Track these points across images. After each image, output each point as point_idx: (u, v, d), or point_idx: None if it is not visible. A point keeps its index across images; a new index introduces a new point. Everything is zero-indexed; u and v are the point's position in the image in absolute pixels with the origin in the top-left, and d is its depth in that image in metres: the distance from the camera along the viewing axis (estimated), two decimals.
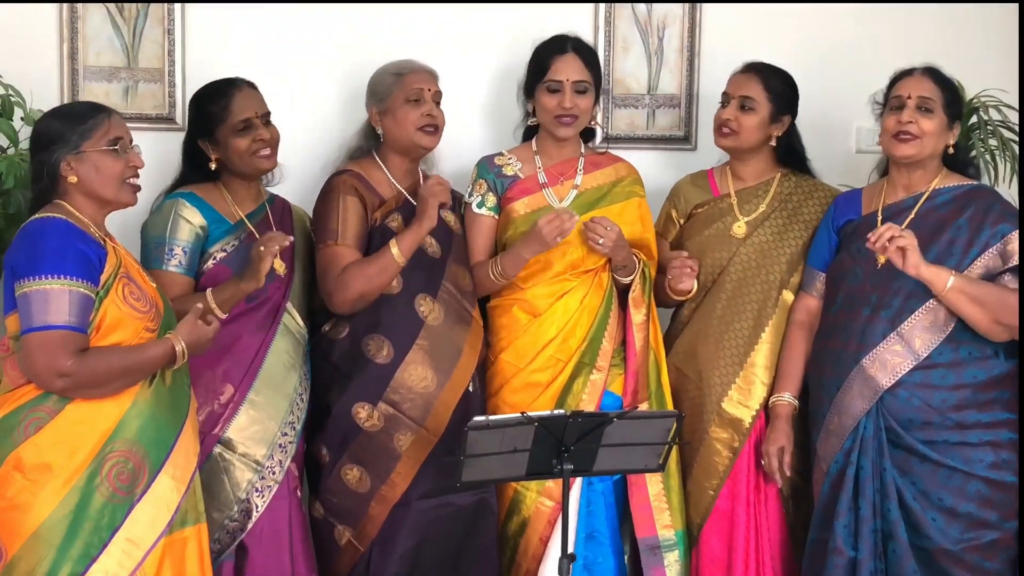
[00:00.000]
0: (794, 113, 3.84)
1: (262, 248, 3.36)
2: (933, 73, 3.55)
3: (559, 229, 3.57)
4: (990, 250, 3.44)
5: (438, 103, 3.74)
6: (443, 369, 3.63)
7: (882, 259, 3.48)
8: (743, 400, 3.74)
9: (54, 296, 2.94)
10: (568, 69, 3.74)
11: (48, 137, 3.07)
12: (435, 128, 3.71)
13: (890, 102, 3.55)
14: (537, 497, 3.70)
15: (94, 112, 3.12)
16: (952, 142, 3.55)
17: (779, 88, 3.80)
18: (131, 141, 3.16)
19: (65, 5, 4.02)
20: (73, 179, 3.06)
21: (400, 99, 3.68)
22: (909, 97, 3.50)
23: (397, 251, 3.57)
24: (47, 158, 3.06)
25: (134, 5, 4.06)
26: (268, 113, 3.62)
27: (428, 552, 3.62)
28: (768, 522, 3.74)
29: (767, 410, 3.73)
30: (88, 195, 3.09)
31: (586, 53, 3.79)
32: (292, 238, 3.48)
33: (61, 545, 2.94)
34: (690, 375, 3.80)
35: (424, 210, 3.58)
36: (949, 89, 3.54)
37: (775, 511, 3.75)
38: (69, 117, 3.11)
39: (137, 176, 3.16)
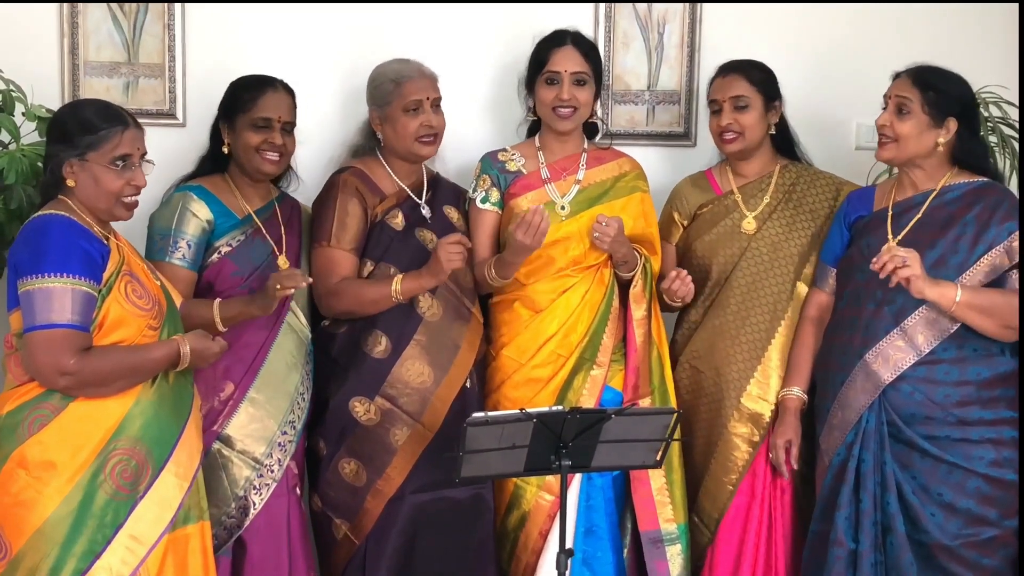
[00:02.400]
0: (780, 96, 3.84)
1: (278, 287, 3.32)
2: (916, 73, 3.52)
3: (538, 230, 3.54)
4: (997, 247, 3.44)
5: (437, 107, 3.73)
6: (440, 365, 3.64)
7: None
8: (762, 394, 3.75)
9: (57, 294, 2.94)
10: (566, 61, 3.74)
11: (60, 133, 3.07)
12: (433, 137, 3.71)
13: (884, 101, 3.57)
14: (537, 491, 3.71)
15: (111, 122, 3.07)
16: (943, 140, 3.49)
17: (761, 77, 3.81)
18: (143, 155, 3.13)
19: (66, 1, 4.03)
20: (71, 183, 3.06)
21: (398, 108, 3.67)
22: (889, 99, 3.51)
23: (398, 289, 3.56)
24: (53, 153, 3.06)
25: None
26: (291, 123, 3.63)
27: (423, 546, 3.63)
28: (783, 518, 3.76)
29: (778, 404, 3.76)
30: (83, 202, 3.08)
31: (585, 46, 3.79)
32: (311, 280, 3.46)
33: (65, 542, 2.95)
34: (707, 372, 3.81)
35: (435, 272, 3.51)
36: (932, 87, 3.48)
37: (789, 506, 3.77)
38: (85, 120, 3.07)
39: (136, 194, 3.13)
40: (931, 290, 3.34)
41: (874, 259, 3.38)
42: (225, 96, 3.65)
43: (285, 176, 3.78)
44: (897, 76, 3.56)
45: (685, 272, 3.73)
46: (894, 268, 3.32)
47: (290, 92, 3.66)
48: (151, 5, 4.06)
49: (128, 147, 3.09)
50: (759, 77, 3.80)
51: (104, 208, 3.10)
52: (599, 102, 3.90)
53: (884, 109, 3.54)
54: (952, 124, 3.50)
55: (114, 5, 4.05)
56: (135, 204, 3.16)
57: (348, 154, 3.83)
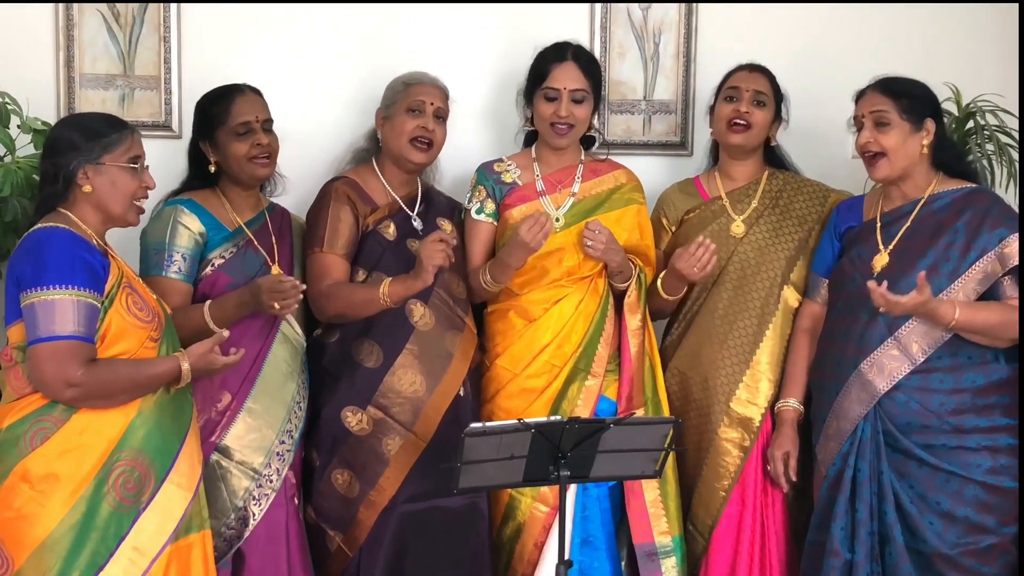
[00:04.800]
0: (784, 115, 3.90)
1: (277, 306, 3.34)
2: (883, 84, 3.55)
3: (542, 233, 3.56)
4: (988, 254, 3.44)
5: (442, 119, 3.75)
6: (433, 374, 3.63)
7: (877, 267, 3.52)
8: (751, 399, 3.75)
9: (61, 306, 2.94)
10: (565, 78, 3.74)
11: (69, 143, 3.07)
12: (428, 143, 3.72)
13: (856, 123, 3.58)
14: (532, 503, 3.70)
15: (119, 127, 3.13)
16: (926, 142, 3.51)
17: (779, 89, 3.87)
18: (145, 160, 3.17)
19: (61, 12, 4.02)
20: (88, 189, 3.06)
21: (401, 108, 3.70)
22: (864, 116, 3.53)
23: (386, 294, 3.53)
24: (64, 163, 3.06)
25: (130, 12, 4.06)
26: (269, 120, 3.63)
27: (417, 557, 3.61)
28: (775, 525, 3.76)
29: (774, 413, 3.75)
30: (97, 207, 3.09)
31: (585, 61, 3.79)
32: (303, 286, 3.41)
33: (68, 555, 2.94)
34: (694, 377, 3.81)
35: (419, 272, 3.48)
36: (904, 95, 3.51)
37: (781, 514, 3.77)
38: (94, 127, 3.11)
39: (146, 197, 3.17)
40: (926, 307, 3.33)
41: (870, 287, 3.35)
42: (197, 116, 3.64)
43: (270, 182, 3.78)
44: (861, 95, 3.58)
45: (709, 241, 3.70)
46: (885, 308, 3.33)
47: (258, 92, 3.65)
48: (147, 17, 4.06)
49: (139, 149, 3.14)
50: (777, 87, 3.85)
51: (119, 211, 3.11)
52: (596, 112, 3.88)
53: (857, 131, 3.54)
54: (930, 125, 3.52)
55: (109, 17, 4.06)
56: (143, 210, 3.18)
57: (350, 158, 3.85)
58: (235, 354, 3.17)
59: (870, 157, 3.52)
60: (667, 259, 3.92)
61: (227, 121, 3.56)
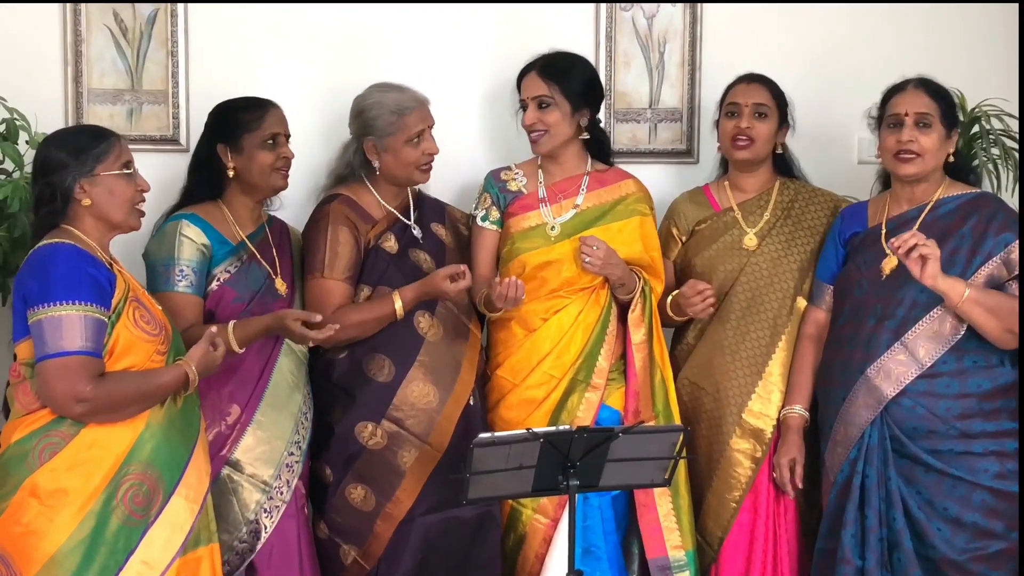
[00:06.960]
0: (789, 121, 3.88)
1: (305, 334, 3.38)
2: (927, 85, 3.56)
3: (511, 300, 3.56)
4: (993, 259, 3.45)
5: (431, 132, 3.76)
6: (444, 384, 3.64)
7: (886, 270, 3.50)
8: (764, 410, 3.74)
9: (68, 322, 2.94)
10: (527, 88, 3.77)
11: (59, 161, 3.07)
12: (430, 164, 3.74)
13: (887, 119, 3.56)
14: (532, 514, 3.70)
15: (106, 136, 3.14)
16: (952, 151, 3.56)
17: (781, 95, 3.85)
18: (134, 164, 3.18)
19: (69, 28, 4.02)
20: (87, 202, 3.07)
21: (401, 140, 3.68)
22: (907, 114, 3.51)
23: (400, 305, 3.58)
24: (59, 180, 3.06)
25: (138, 26, 4.07)
26: (289, 136, 3.64)
27: (433, 567, 3.62)
28: (787, 534, 3.76)
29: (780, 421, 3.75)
30: (98, 218, 3.10)
31: (547, 68, 3.77)
32: (319, 317, 3.45)
33: (78, 570, 2.94)
34: (706, 388, 3.81)
35: (432, 286, 3.58)
36: (944, 99, 3.55)
37: (793, 522, 3.77)
38: (81, 141, 3.12)
39: (143, 200, 3.18)
40: (943, 280, 3.34)
41: (894, 239, 3.37)
42: (222, 120, 3.62)
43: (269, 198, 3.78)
44: (899, 89, 3.57)
45: (710, 290, 3.72)
46: (915, 244, 3.31)
47: (282, 110, 3.66)
48: (154, 32, 4.07)
49: (128, 154, 3.15)
50: (779, 94, 3.84)
51: (120, 219, 3.12)
52: (577, 116, 3.80)
53: (888, 125, 3.54)
54: (955, 135, 3.54)
55: (117, 32, 4.06)
56: (143, 213, 3.20)
57: (333, 181, 3.83)
58: (220, 348, 3.19)
59: (904, 153, 3.51)
60: (677, 269, 3.93)
61: (258, 129, 3.56)
